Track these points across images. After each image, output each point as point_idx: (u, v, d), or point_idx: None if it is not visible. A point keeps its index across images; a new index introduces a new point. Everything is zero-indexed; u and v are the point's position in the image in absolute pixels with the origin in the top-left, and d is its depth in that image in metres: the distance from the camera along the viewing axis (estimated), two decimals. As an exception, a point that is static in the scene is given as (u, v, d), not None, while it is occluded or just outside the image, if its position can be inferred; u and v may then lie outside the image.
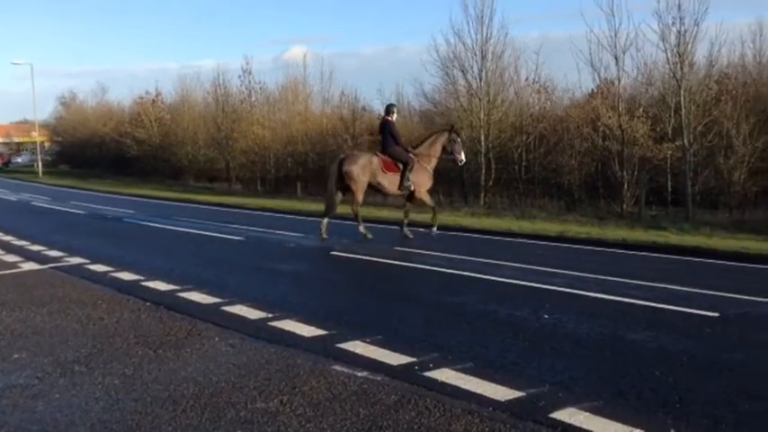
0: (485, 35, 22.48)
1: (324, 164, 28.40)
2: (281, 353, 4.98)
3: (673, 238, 12.97)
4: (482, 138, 22.18)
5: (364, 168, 12.41)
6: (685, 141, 18.15)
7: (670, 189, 19.56)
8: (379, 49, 66.12)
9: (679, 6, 18.02)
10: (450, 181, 24.38)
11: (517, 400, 4.01)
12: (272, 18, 78.27)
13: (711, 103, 18.66)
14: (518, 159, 22.55)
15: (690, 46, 18.19)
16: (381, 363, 4.71)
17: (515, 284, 7.98)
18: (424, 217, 13.62)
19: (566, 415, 3.73)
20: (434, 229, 12.84)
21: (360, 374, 4.45)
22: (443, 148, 12.93)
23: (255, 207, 20.93)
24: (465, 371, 4.53)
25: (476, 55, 22.60)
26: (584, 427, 3.58)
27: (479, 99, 22.43)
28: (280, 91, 32.00)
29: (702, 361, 4.87)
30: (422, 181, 12.66)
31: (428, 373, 4.49)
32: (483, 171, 22.37)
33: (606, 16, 19.68)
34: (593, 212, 19.19)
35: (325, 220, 12.54)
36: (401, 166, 12.55)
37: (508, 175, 22.98)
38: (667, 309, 6.58)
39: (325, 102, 30.45)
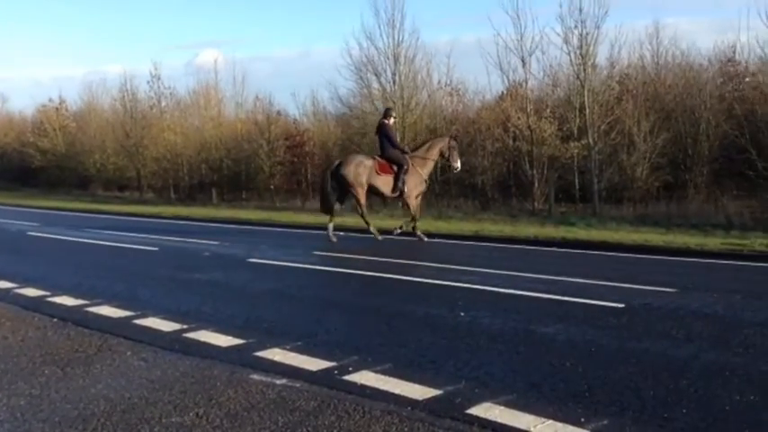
0: (396, 39, 22.75)
1: (239, 169, 28.04)
2: (196, 365, 4.87)
3: (581, 233, 13.50)
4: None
5: (358, 169, 12.62)
6: (590, 140, 18.94)
7: (578, 186, 20.36)
8: (292, 52, 65.71)
9: (580, 10, 18.84)
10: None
11: (435, 398, 4.07)
12: (182, 22, 76.38)
13: (614, 102, 19.56)
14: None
15: (592, 48, 19.04)
16: (300, 369, 4.68)
17: (433, 284, 8.11)
18: (356, 221, 13.55)
19: (481, 410, 3.82)
20: (420, 233, 12.95)
21: (278, 382, 4.40)
22: (441, 154, 13.26)
23: (169, 215, 20.39)
24: (384, 372, 4.56)
25: (389, 59, 22.83)
26: (499, 420, 3.67)
27: (394, 102, 22.63)
28: (191, 96, 31.41)
29: (609, 351, 5.09)
30: (412, 184, 12.84)
31: (348, 377, 4.49)
32: (400, 173, 22.56)
33: (512, 20, 20.32)
34: (507, 211, 19.73)
35: (331, 225, 12.74)
36: (396, 168, 12.74)
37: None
38: (576, 302, 6.85)
39: (238, 106, 30.07)
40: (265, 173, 26.24)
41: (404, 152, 13.01)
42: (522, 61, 20.36)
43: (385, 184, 12.67)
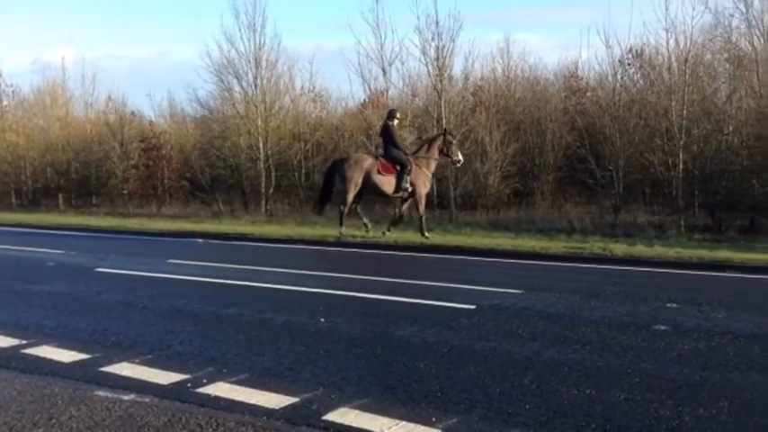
0: (258, 42, 22.47)
1: (89, 173, 26.41)
2: (35, 382, 4.52)
3: (438, 238, 13.96)
4: (261, 145, 22.12)
5: (356, 166, 12.89)
6: (447, 149, 19.65)
7: (436, 193, 21.05)
8: (149, 52, 62.77)
9: (437, 23, 19.53)
10: (229, 189, 23.99)
11: (292, 405, 4.04)
12: (29, 18, 70.69)
13: (468, 113, 20.45)
14: (297, 166, 22.81)
15: (448, 60, 19.80)
16: (150, 383, 4.48)
17: (294, 291, 8.07)
18: (181, 226, 13.16)
19: (338, 415, 3.84)
20: (426, 234, 13.25)
21: (126, 398, 4.18)
22: (440, 151, 13.51)
23: (10, 223, 18.84)
24: (240, 382, 4.47)
25: (250, 62, 22.49)
26: (354, 425, 3.71)
27: (256, 106, 22.32)
28: (36, 94, 29.22)
29: (461, 350, 5.30)
30: (421, 184, 13.18)
31: (201, 389, 4.35)
32: (263, 178, 22.30)
33: (372, 29, 20.68)
34: (369, 217, 19.98)
35: (343, 229, 13.28)
36: (399, 168, 12.90)
37: (288, 182, 23.15)
38: (432, 304, 7.08)
39: (88, 106, 28.40)
40: (118, 177, 24.94)
41: (406, 153, 13.37)
42: (383, 70, 20.79)
43: (387, 183, 13.08)
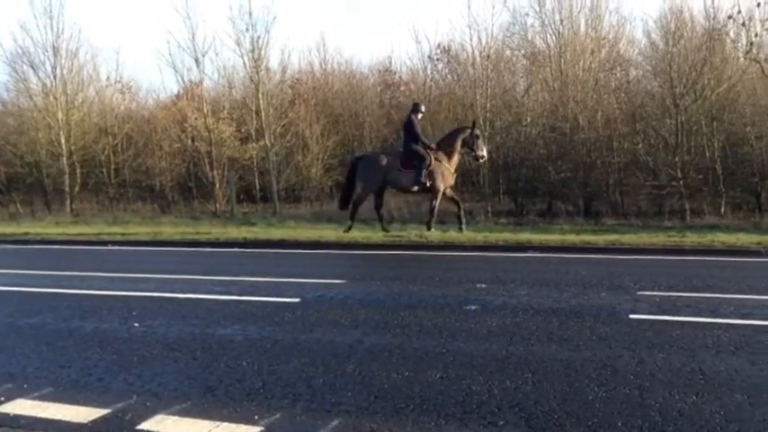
0: (56, 30, 20.74)
1: None
2: None
3: (261, 233, 13.81)
4: (62, 140, 20.45)
5: (374, 164, 12.91)
6: (267, 142, 19.47)
7: (258, 187, 20.80)
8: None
9: (250, 14, 19.26)
10: (28, 188, 21.97)
11: (102, 418, 3.78)
12: None
13: (287, 106, 20.39)
14: (106, 162, 21.43)
15: (264, 52, 19.57)
16: (-68, 409, 3.97)
17: (103, 295, 7.55)
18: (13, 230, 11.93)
19: (153, 423, 3.66)
20: (432, 228, 13.05)
21: None
22: (464, 144, 13.07)
23: None
24: (43, 398, 4.10)
25: (47, 51, 20.68)
26: (171, 431, 3.56)
27: (56, 98, 20.60)
28: None
29: (285, 345, 5.27)
30: (439, 177, 12.85)
31: (-2, 410, 3.94)
32: (67, 176, 20.65)
33: (183, 19, 19.95)
34: (189, 213, 19.34)
35: (349, 222, 13.37)
36: (417, 162, 12.60)
37: (96, 180, 21.68)
38: (255, 300, 6.97)
39: None
40: None
41: (429, 147, 12.91)
42: (196, 61, 20.09)
43: (407, 179, 12.86)
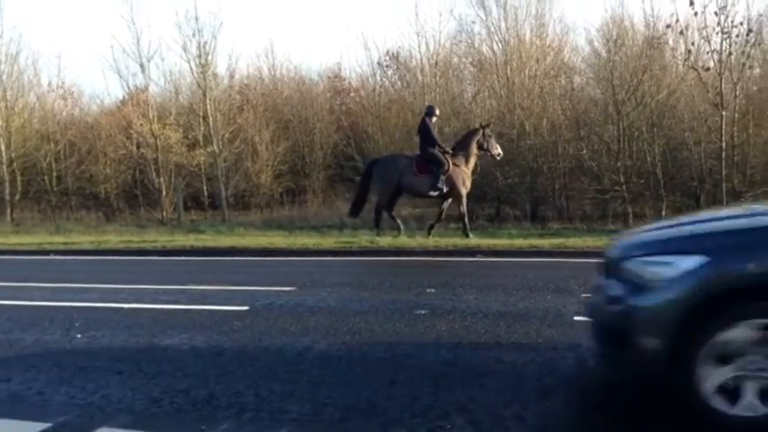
0: (-6, 34, 20.08)
1: None
2: None
3: (209, 240, 13.63)
4: (2, 147, 19.83)
5: (390, 167, 12.67)
6: (215, 148, 19.23)
7: (207, 194, 20.51)
8: None
9: (197, 18, 19.00)
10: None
11: (42, 433, 3.68)
12: None
13: (236, 111, 20.20)
14: (48, 170, 20.85)
15: (211, 57, 19.35)
16: None
17: (45, 306, 7.35)
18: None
19: (96, 437, 3.58)
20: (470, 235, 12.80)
21: None
22: (479, 146, 12.92)
23: None
24: (-21, 414, 3.97)
25: (-15, 56, 20.02)
26: (115, 445, 3.49)
27: (-6, 104, 19.95)
28: None
29: (233, 354, 5.21)
30: (460, 182, 12.72)
31: (-72, 430, 3.79)
32: (7, 184, 20.01)
33: (127, 24, 19.61)
34: (134, 221, 18.97)
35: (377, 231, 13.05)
36: (434, 167, 12.35)
37: (38, 188, 21.07)
38: (203, 309, 6.88)
39: None
40: None
41: (445, 151, 12.74)
42: (142, 67, 19.73)
43: (424, 184, 12.60)
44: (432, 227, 13.29)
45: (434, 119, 13.25)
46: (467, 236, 12.72)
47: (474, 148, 13.09)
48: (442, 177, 12.59)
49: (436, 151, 12.74)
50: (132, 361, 5.09)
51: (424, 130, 12.94)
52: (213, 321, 6.35)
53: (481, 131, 13.26)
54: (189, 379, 4.57)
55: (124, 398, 4.24)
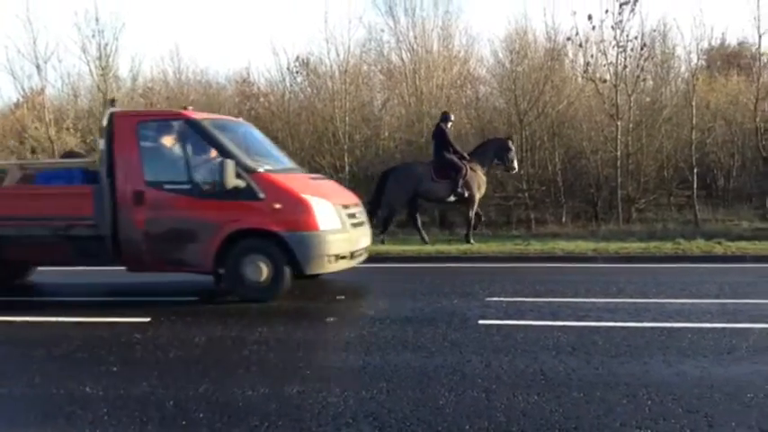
0: None
1: None
2: None
3: (111, 249, 13.04)
4: None
5: (402, 179, 12.65)
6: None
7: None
8: None
9: (97, 20, 18.25)
10: None
11: None
12: None
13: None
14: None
15: (112, 59, 18.62)
16: None
17: None
18: None
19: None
20: (472, 240, 12.73)
21: None
22: (495, 156, 13.00)
23: None
24: None
25: None
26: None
27: None
28: None
29: (134, 367, 5.02)
30: (475, 187, 12.66)
31: None
32: None
33: (23, 24, 18.56)
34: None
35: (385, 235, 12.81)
36: (453, 173, 12.43)
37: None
38: (101, 321, 6.59)
39: None
40: None
41: (462, 157, 12.44)
42: (38, 68, 18.71)
43: (442, 189, 12.60)
44: (467, 234, 13.00)
45: (450, 124, 13.15)
46: (468, 241, 12.73)
47: (491, 157, 13.09)
48: (461, 181, 12.55)
49: (453, 156, 12.67)
50: (24, 377, 4.78)
51: (439, 136, 12.85)
52: (113, 334, 6.09)
53: (501, 142, 13.23)
54: (87, 394, 4.35)
55: (16, 417, 3.98)
